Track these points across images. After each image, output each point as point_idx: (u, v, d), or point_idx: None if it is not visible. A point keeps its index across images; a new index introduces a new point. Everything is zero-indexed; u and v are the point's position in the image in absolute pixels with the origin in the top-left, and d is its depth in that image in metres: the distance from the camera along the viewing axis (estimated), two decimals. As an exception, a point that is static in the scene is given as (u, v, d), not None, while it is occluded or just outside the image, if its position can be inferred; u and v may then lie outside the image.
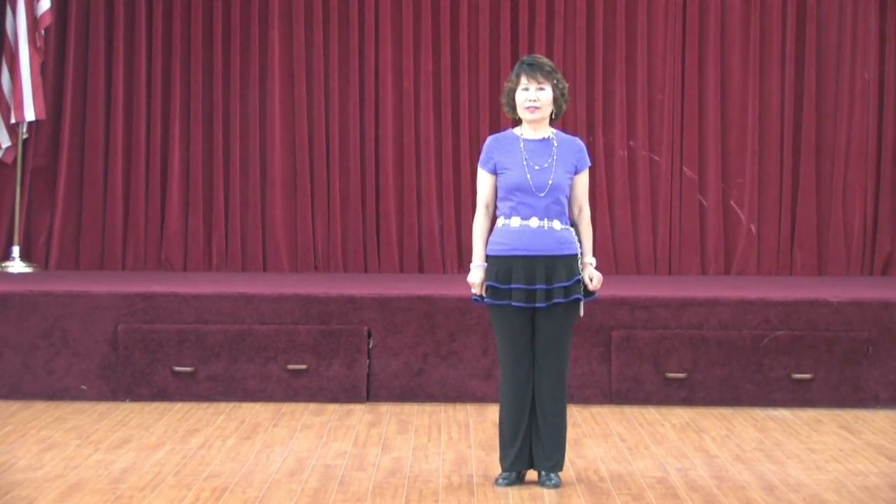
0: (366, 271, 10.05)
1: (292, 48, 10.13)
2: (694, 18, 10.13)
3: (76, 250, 10.06)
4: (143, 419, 7.54)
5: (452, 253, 10.08)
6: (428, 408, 7.98)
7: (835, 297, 8.13)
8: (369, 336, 8.11)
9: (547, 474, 6.01)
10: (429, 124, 10.11)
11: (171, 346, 8.06)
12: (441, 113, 10.13)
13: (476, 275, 5.99)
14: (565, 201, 5.98)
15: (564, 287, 5.91)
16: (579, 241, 6.00)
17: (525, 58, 6.10)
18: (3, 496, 5.76)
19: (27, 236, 9.99)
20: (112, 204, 10.05)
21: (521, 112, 5.99)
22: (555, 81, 5.97)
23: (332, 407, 7.96)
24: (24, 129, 9.85)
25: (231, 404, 7.99)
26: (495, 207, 6.05)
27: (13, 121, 9.71)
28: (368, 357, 8.10)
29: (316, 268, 10.09)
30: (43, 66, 9.87)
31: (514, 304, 5.91)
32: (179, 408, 7.89)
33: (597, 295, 6.09)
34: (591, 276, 6.00)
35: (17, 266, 9.73)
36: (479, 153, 6.12)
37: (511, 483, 6.02)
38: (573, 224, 6.02)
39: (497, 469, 6.18)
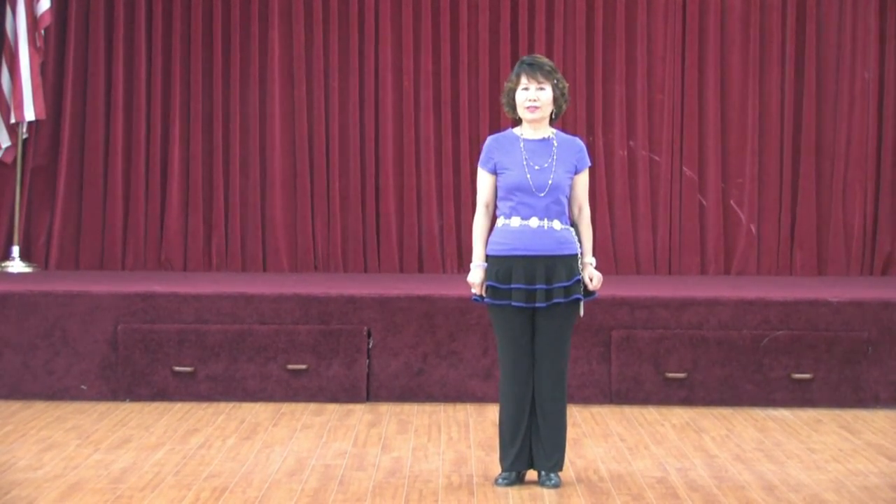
0: (366, 271, 10.05)
1: (292, 48, 10.12)
2: (694, 18, 10.12)
3: (76, 250, 10.05)
4: (143, 419, 7.54)
5: (452, 253, 10.07)
6: (428, 408, 7.98)
7: (835, 297, 8.13)
8: (369, 336, 8.10)
9: (547, 474, 6.01)
10: (429, 124, 10.10)
11: (171, 346, 8.06)
12: (441, 113, 10.12)
13: (476, 275, 5.98)
14: (565, 201, 5.98)
15: (564, 287, 5.90)
16: (579, 240, 6.00)
17: (525, 58, 6.10)
18: (3, 496, 5.76)
19: (27, 236, 9.98)
20: (112, 204, 10.05)
21: (521, 112, 5.99)
22: (555, 81, 5.97)
23: (331, 407, 7.95)
24: (24, 129, 9.84)
25: (231, 404, 7.99)
26: (495, 207, 6.05)
27: (13, 121, 9.71)
28: (368, 357, 8.10)
29: (316, 268, 10.09)
30: (43, 66, 9.86)
31: (514, 304, 5.91)
32: (179, 408, 7.89)
33: (597, 295, 6.09)
34: (591, 275, 6.00)
35: (16, 266, 9.72)
36: (479, 153, 6.12)
37: (511, 483, 6.02)
38: (573, 224, 6.02)
39: (497, 469, 6.17)
